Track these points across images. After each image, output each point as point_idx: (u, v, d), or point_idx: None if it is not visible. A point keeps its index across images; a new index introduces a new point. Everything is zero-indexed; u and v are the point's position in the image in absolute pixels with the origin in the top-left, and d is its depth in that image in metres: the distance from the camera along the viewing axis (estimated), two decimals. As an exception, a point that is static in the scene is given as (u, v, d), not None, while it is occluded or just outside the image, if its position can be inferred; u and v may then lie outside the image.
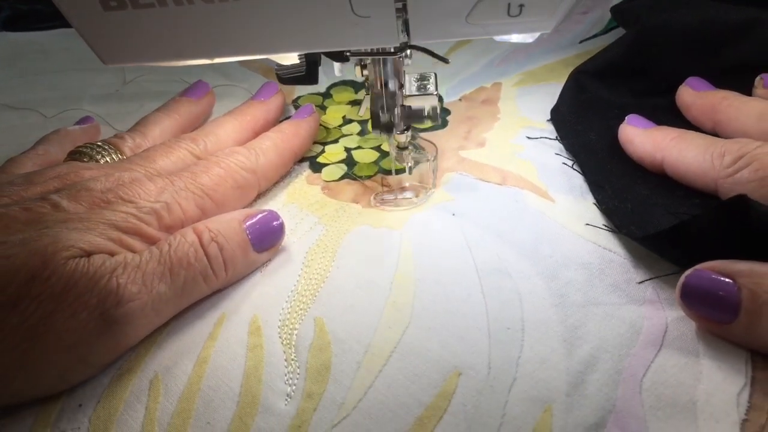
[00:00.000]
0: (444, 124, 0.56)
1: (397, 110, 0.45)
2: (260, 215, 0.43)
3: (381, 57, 0.41)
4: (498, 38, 0.38)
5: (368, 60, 0.43)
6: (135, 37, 0.33)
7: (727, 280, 0.34)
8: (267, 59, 0.41)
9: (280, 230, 0.43)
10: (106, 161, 0.46)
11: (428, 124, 0.48)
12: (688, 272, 0.35)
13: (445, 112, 0.57)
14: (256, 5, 0.31)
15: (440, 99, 0.59)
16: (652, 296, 0.39)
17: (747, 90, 0.48)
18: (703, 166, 0.41)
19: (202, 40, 0.33)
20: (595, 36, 0.65)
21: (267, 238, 0.42)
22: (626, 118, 0.47)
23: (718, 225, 0.35)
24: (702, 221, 0.36)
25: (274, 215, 0.43)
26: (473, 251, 0.43)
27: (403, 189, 0.49)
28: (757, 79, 0.48)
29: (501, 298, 0.40)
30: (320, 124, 0.57)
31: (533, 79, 0.61)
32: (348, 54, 0.41)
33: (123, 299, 0.35)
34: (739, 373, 0.34)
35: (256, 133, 0.52)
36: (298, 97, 0.62)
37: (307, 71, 0.42)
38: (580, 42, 0.66)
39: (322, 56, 0.43)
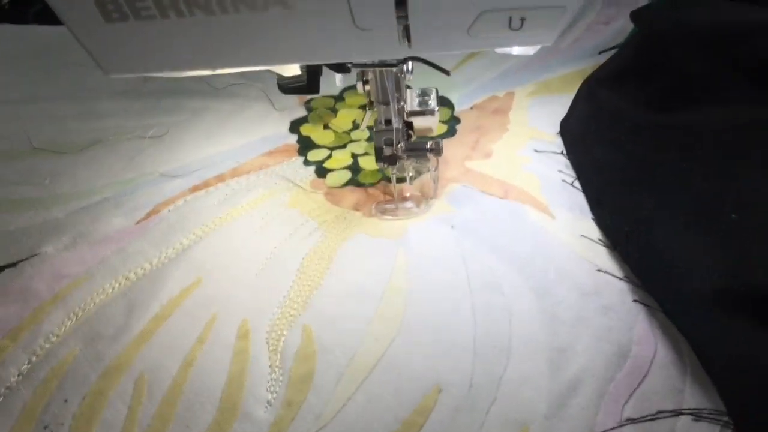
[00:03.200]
0: (452, 132, 0.56)
1: (401, 145, 0.45)
2: None
3: (383, 70, 0.41)
4: (499, 50, 0.38)
5: (370, 75, 0.43)
6: (137, 48, 0.33)
7: None
8: (269, 70, 0.41)
9: None
10: None
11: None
12: None
13: (455, 120, 0.57)
14: (258, 18, 0.31)
15: (451, 107, 0.59)
16: (644, 320, 0.38)
17: (758, 91, 0.46)
18: None
19: (203, 51, 0.33)
20: (615, 47, 0.64)
21: None
22: None
23: None
24: None
25: None
26: (468, 265, 0.43)
27: (404, 198, 0.48)
28: None
29: (491, 314, 0.39)
30: (329, 128, 0.57)
31: (548, 90, 0.60)
32: (350, 65, 0.41)
33: None
34: (720, 414, 0.33)
35: None
36: (310, 99, 0.62)
37: (309, 81, 0.42)
38: (600, 53, 0.64)
39: (324, 66, 0.43)
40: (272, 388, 0.36)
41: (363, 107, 0.60)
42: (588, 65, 0.62)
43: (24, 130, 0.59)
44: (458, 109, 0.59)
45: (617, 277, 0.40)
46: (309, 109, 0.61)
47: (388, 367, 0.37)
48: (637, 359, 0.36)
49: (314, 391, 0.36)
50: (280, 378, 0.37)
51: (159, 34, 0.32)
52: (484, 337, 0.38)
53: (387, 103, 0.43)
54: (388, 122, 0.44)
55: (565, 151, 0.51)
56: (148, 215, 0.49)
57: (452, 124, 0.57)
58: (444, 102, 0.59)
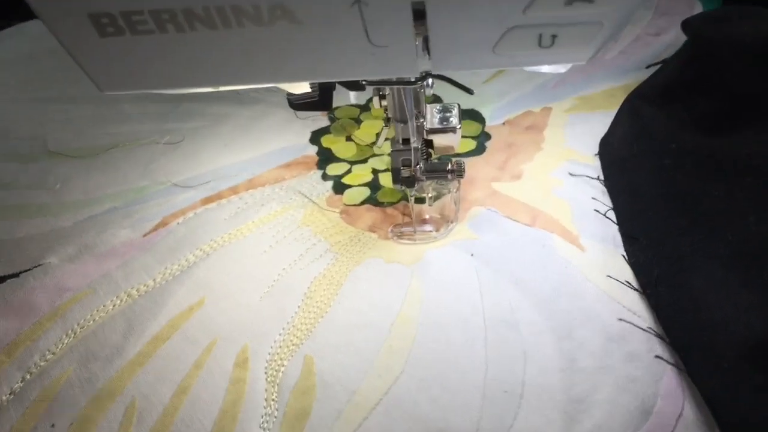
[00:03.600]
0: (481, 150, 0.52)
1: (420, 166, 0.42)
2: None
3: (401, 88, 0.39)
4: (528, 69, 0.35)
5: (387, 90, 0.40)
6: (134, 65, 0.31)
7: None
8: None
9: None
10: None
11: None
12: None
13: (485, 136, 0.54)
14: (263, 33, 0.29)
15: (482, 122, 0.56)
16: (672, 372, 0.35)
17: None
18: None
19: (206, 67, 0.31)
20: (664, 61, 0.59)
21: None
22: None
23: None
24: None
25: None
26: (484, 298, 0.40)
27: (423, 221, 0.46)
28: None
29: (504, 353, 0.37)
30: (352, 140, 0.54)
31: (588, 106, 0.56)
32: (364, 83, 0.38)
33: None
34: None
35: None
36: (335, 108, 0.59)
37: (321, 97, 0.40)
38: (648, 67, 0.60)
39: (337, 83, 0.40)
40: (266, 425, 0.34)
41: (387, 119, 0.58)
42: (634, 80, 0.58)
43: (41, 133, 0.59)
44: (489, 124, 0.56)
45: (640, 328, 0.37)
46: (332, 119, 0.58)
47: (390, 407, 0.34)
48: (661, 416, 0.33)
49: (310, 429, 0.34)
50: (276, 413, 0.35)
51: (157, 50, 0.30)
52: (495, 378, 0.35)
53: (405, 122, 0.41)
54: (406, 141, 0.42)
55: (602, 176, 0.47)
56: (156, 228, 0.47)
57: (482, 140, 0.53)
58: (474, 116, 0.56)
